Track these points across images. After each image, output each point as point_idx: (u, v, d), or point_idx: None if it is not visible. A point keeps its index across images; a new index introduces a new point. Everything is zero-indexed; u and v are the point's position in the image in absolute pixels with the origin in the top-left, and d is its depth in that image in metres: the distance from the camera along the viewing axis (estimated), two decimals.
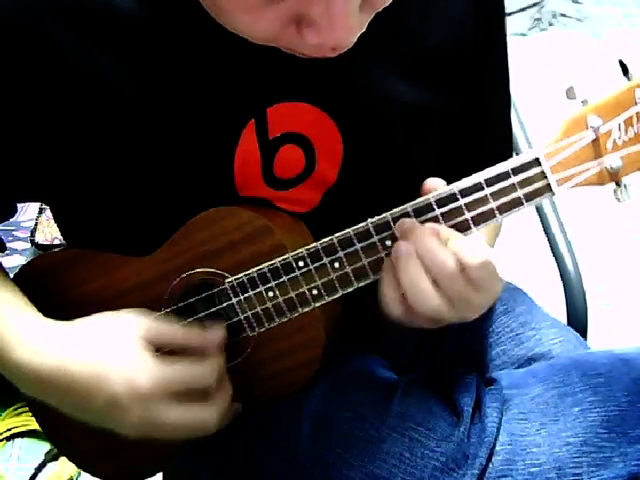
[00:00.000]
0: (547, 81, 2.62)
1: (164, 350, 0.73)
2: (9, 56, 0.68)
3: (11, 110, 0.70)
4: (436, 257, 0.66)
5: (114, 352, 0.71)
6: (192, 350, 0.74)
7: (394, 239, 0.69)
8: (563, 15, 3.09)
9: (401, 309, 0.68)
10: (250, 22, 0.58)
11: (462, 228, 0.68)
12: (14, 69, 0.68)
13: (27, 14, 0.67)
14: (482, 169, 0.68)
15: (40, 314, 0.75)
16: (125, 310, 0.75)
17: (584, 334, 1.02)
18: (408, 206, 0.68)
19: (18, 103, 0.69)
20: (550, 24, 3.04)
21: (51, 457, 1.57)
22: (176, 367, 0.72)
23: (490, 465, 0.73)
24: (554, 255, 1.08)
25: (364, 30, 0.62)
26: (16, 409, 1.64)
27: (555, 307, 1.01)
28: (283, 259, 0.71)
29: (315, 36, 0.58)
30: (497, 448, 0.74)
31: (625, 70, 0.67)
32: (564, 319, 1.03)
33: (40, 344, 0.72)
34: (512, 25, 2.46)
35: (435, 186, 0.68)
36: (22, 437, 1.64)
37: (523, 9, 3.03)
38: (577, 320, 1.04)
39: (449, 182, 0.69)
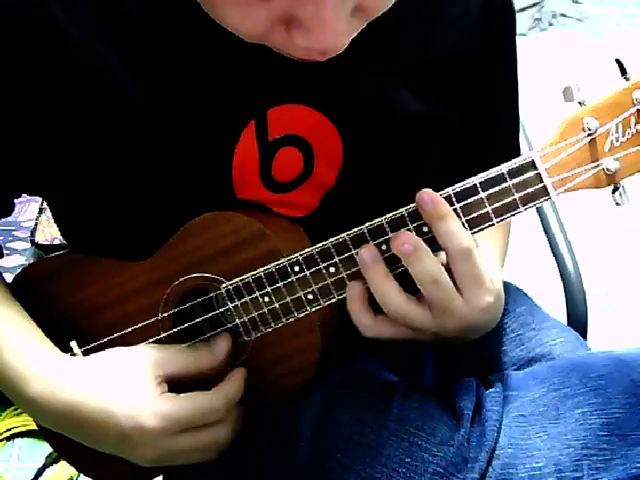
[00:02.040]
0: (547, 81, 2.61)
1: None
2: (14, 47, 0.67)
3: (14, 102, 0.70)
4: (427, 270, 0.67)
5: (122, 391, 0.72)
6: (205, 369, 0.75)
7: (389, 243, 0.69)
8: (563, 15, 3.09)
9: (370, 320, 0.71)
10: (239, 18, 0.58)
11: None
12: (19, 60, 0.68)
13: (33, 5, 0.67)
14: None
15: (53, 345, 0.76)
16: (136, 347, 0.76)
17: (584, 334, 1.02)
18: (403, 210, 0.68)
19: (22, 95, 0.69)
20: (550, 24, 3.05)
21: (51, 460, 1.57)
22: (184, 402, 0.73)
23: (490, 469, 0.73)
24: (554, 255, 1.08)
25: (364, 36, 0.61)
26: (16, 409, 1.65)
27: (555, 307, 1.01)
28: (278, 264, 0.71)
29: (303, 38, 0.57)
30: (497, 452, 0.73)
31: (623, 70, 0.66)
32: (564, 319, 1.03)
33: (54, 380, 0.73)
34: None
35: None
36: (22, 437, 1.64)
37: (523, 9, 3.03)
38: (577, 320, 1.04)
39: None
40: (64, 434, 0.76)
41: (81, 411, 0.72)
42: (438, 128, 0.79)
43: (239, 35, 0.61)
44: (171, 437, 0.72)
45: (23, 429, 1.63)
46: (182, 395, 0.73)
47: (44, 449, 1.59)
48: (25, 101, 0.69)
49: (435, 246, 0.68)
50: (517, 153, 0.91)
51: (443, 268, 0.68)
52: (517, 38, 0.84)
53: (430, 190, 0.68)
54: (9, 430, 1.63)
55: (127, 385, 0.72)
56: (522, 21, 2.99)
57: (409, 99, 0.76)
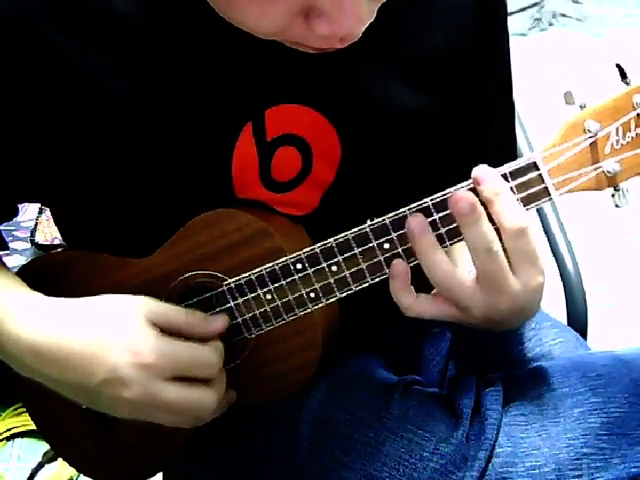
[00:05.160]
0: (547, 81, 2.62)
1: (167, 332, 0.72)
2: (8, 57, 0.68)
3: (11, 111, 0.70)
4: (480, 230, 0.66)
5: (118, 327, 0.69)
6: (193, 335, 0.72)
7: (392, 242, 0.69)
8: (563, 15, 3.09)
9: (412, 298, 0.70)
10: (260, 14, 0.58)
11: (459, 232, 0.68)
12: (13, 70, 0.68)
13: (26, 15, 0.67)
14: None
15: (38, 293, 0.74)
16: (130, 295, 0.73)
17: (584, 334, 1.02)
18: (406, 209, 0.68)
19: (17, 104, 0.69)
20: (550, 24, 3.05)
21: (48, 459, 1.57)
22: (182, 344, 0.70)
23: (489, 467, 0.73)
24: (554, 255, 1.08)
25: (364, 30, 0.62)
26: (16, 409, 1.64)
27: (555, 307, 1.01)
28: (281, 262, 0.71)
29: (325, 26, 0.58)
30: (496, 450, 0.73)
31: (623, 74, 0.67)
32: (564, 319, 1.03)
33: (39, 315, 0.71)
34: (512, 25, 2.47)
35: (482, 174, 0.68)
36: (22, 437, 1.64)
37: (523, 9, 3.03)
38: (577, 320, 1.04)
39: (451, 187, 0.69)
40: (43, 379, 0.72)
41: (69, 347, 0.69)
42: (435, 122, 0.79)
43: (256, 33, 0.61)
44: (162, 381, 0.69)
45: (23, 429, 1.62)
46: (181, 341, 0.70)
47: (44, 449, 1.58)
48: (23, 110, 0.70)
49: (452, 239, 0.68)
50: (513, 145, 0.91)
51: (497, 238, 0.67)
52: (517, 38, 0.85)
53: (485, 166, 0.67)
54: (9, 430, 1.63)
55: (122, 322, 0.69)
56: (522, 21, 2.99)
57: (405, 94, 0.76)
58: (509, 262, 0.68)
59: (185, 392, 0.70)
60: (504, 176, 0.67)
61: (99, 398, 0.71)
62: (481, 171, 0.67)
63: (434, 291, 0.71)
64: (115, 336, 0.69)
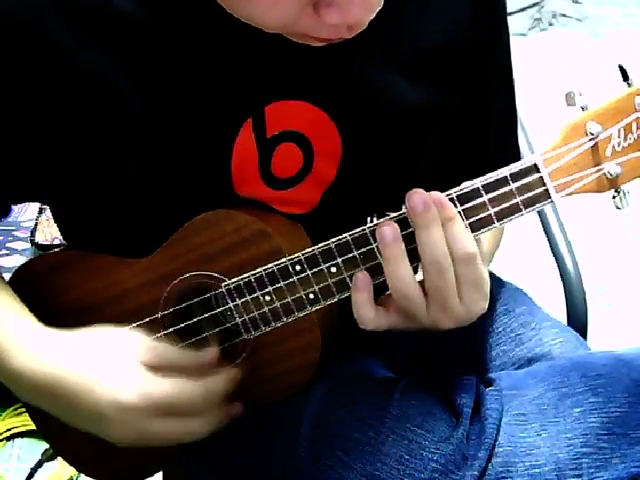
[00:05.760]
0: (547, 81, 2.62)
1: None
2: (9, 55, 0.68)
3: (11, 109, 0.70)
4: (436, 248, 0.67)
5: (105, 364, 0.71)
6: (189, 370, 0.73)
7: None
8: (563, 15, 3.09)
9: (373, 311, 0.70)
10: (270, 5, 0.58)
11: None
12: (14, 68, 0.68)
13: (27, 13, 0.67)
14: (486, 172, 0.68)
15: (37, 321, 0.75)
16: (127, 329, 0.74)
17: (584, 334, 1.02)
18: (406, 211, 0.68)
19: (18, 102, 0.70)
20: (550, 24, 3.05)
21: (47, 457, 1.57)
22: (164, 383, 0.71)
23: (489, 467, 0.73)
24: (554, 255, 1.08)
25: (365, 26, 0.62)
26: (16, 409, 1.64)
27: (555, 307, 1.01)
28: (280, 263, 0.71)
29: (335, 15, 0.59)
30: (496, 450, 0.74)
31: (625, 76, 0.67)
32: (564, 319, 1.03)
33: (37, 351, 0.72)
34: (512, 25, 2.47)
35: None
36: (22, 437, 1.64)
37: (523, 9, 3.03)
38: (577, 320, 1.04)
39: (451, 184, 0.69)
40: (46, 409, 0.74)
41: (60, 381, 0.71)
42: (436, 115, 0.79)
43: (264, 26, 0.61)
44: (146, 418, 0.70)
45: (23, 429, 1.62)
46: (165, 379, 0.71)
47: (43, 449, 1.58)
48: (24, 109, 0.70)
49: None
50: (515, 142, 0.91)
51: (449, 260, 0.67)
52: (517, 38, 0.85)
53: (437, 192, 0.67)
54: (9, 430, 1.63)
55: (110, 359, 0.71)
56: (522, 21, 2.99)
57: (406, 89, 0.76)
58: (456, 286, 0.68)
59: (172, 425, 0.71)
60: (504, 179, 0.67)
61: (92, 429, 0.73)
62: (433, 196, 0.67)
63: (381, 298, 0.71)
64: (99, 375, 0.70)
